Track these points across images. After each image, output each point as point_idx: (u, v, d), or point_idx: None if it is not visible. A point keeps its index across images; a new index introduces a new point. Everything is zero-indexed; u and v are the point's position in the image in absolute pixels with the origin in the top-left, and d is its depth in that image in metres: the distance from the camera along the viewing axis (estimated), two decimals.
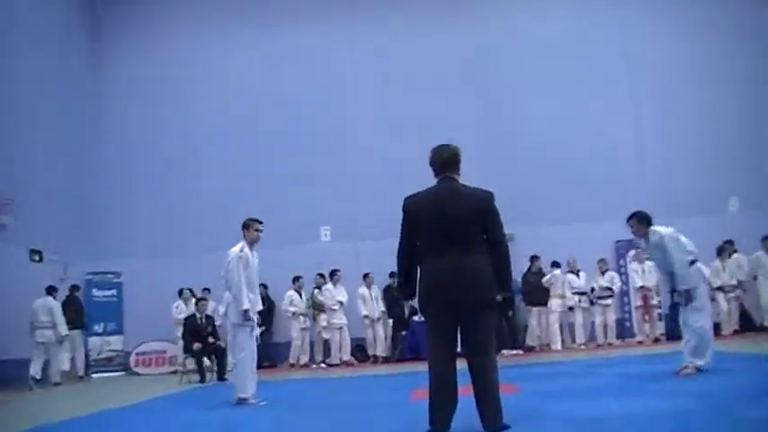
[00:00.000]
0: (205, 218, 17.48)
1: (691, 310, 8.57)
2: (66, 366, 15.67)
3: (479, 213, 5.49)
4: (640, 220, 8.99)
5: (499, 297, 5.38)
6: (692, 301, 8.57)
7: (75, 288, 16.61)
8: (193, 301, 15.55)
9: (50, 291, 15.06)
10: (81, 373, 16.38)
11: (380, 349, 16.41)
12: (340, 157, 17.94)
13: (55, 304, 14.98)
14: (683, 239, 8.81)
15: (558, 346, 16.02)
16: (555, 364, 12.35)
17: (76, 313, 16.15)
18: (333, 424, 6.84)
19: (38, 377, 14.25)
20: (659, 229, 8.87)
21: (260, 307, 9.27)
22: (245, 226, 9.10)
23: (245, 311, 8.71)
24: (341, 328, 16.26)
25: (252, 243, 9.07)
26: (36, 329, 14.57)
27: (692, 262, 8.68)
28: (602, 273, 16.30)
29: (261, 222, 9.16)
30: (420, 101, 17.70)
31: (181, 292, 16.61)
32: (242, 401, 8.71)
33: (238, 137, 18.34)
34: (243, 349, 8.82)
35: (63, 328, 14.85)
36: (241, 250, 8.92)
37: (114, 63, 19.08)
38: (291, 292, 16.53)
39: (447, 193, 5.64)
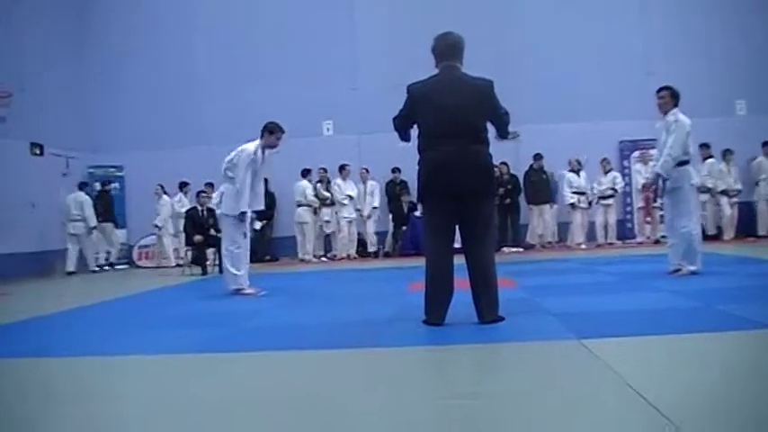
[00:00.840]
0: (202, 109, 17.39)
1: (677, 214, 8.37)
2: (102, 259, 16.76)
3: (481, 104, 5.52)
4: (673, 95, 8.77)
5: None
6: (660, 196, 8.48)
7: (105, 183, 17.28)
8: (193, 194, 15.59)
9: (82, 186, 16.26)
10: (109, 261, 16.95)
11: (371, 245, 16.52)
12: (341, 50, 17.63)
13: (85, 199, 16.07)
14: (689, 140, 8.61)
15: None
16: (553, 261, 12.45)
17: (107, 208, 16.86)
18: (332, 311, 6.93)
19: (72, 269, 15.62)
20: (681, 114, 8.63)
21: (260, 206, 9.20)
22: (270, 130, 8.82)
23: (242, 213, 8.66)
24: (350, 222, 16.34)
25: (268, 147, 8.89)
26: (69, 222, 15.78)
27: (683, 162, 8.44)
28: (606, 173, 16.25)
29: (284, 132, 8.92)
30: (423, 3, 17.28)
31: (182, 186, 16.59)
32: (238, 292, 8.76)
33: (237, 27, 17.91)
34: (233, 242, 8.80)
35: (93, 221, 15.98)
36: (254, 152, 8.72)
37: None
38: (305, 183, 16.48)
39: (450, 82, 5.62)
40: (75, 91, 17.47)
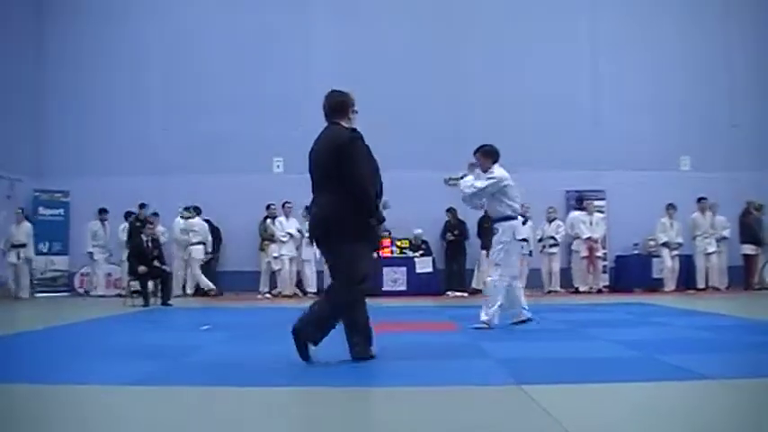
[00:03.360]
0: (153, 139, 17.22)
1: (493, 266, 8.47)
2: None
3: (332, 154, 5.74)
4: (485, 154, 8.71)
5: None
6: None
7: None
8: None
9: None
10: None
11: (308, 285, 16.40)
12: (294, 88, 17.62)
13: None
14: (513, 193, 8.58)
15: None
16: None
17: None
18: (270, 348, 6.85)
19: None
20: (498, 170, 8.58)
21: None
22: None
23: None
24: (291, 259, 16.24)
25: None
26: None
27: (509, 217, 8.43)
28: (550, 222, 16.44)
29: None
30: (378, 36, 17.44)
31: (127, 215, 16.35)
32: None
33: (191, 59, 17.83)
34: None
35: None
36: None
37: None
38: (282, 219, 16.36)
39: (319, 139, 6.00)
40: (24, 114, 17.18)
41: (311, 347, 5.65)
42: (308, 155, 6.00)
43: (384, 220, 5.79)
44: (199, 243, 15.95)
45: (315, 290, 16.23)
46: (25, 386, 4.95)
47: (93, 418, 4.11)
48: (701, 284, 15.94)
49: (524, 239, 15.79)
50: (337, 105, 6.02)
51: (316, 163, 5.89)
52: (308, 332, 5.63)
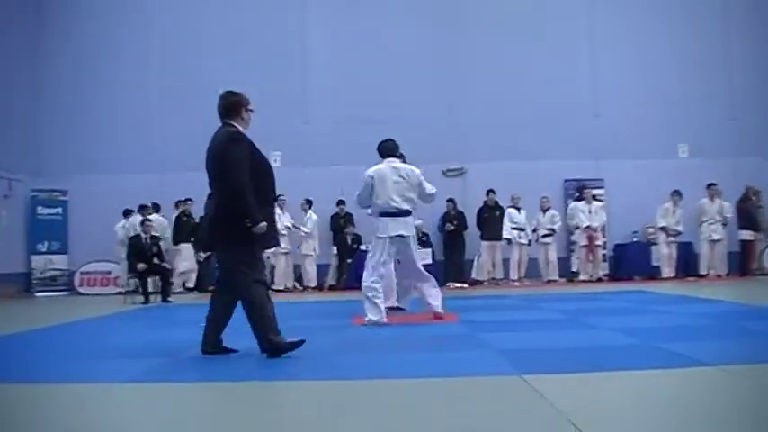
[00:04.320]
0: (151, 137, 17.19)
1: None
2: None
3: (214, 156, 5.90)
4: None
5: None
6: None
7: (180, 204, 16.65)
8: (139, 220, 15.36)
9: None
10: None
11: (307, 281, 16.50)
12: (293, 83, 17.65)
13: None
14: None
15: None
16: (497, 297, 12.53)
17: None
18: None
19: None
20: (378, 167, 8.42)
21: None
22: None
23: None
24: (286, 253, 16.21)
25: None
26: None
27: (387, 214, 8.27)
28: (544, 211, 16.45)
29: None
30: (378, 32, 17.48)
31: (126, 213, 16.35)
32: None
33: (189, 55, 17.82)
34: None
35: None
36: None
37: None
38: (278, 211, 16.19)
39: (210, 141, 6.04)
40: (22, 113, 17.16)
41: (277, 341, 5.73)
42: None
43: (260, 221, 5.66)
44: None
45: (315, 284, 16.31)
46: (26, 385, 4.96)
47: (95, 416, 4.12)
48: (703, 271, 15.96)
49: (521, 229, 16.00)
50: (229, 106, 6.10)
51: (206, 165, 6.00)
52: (271, 340, 5.69)
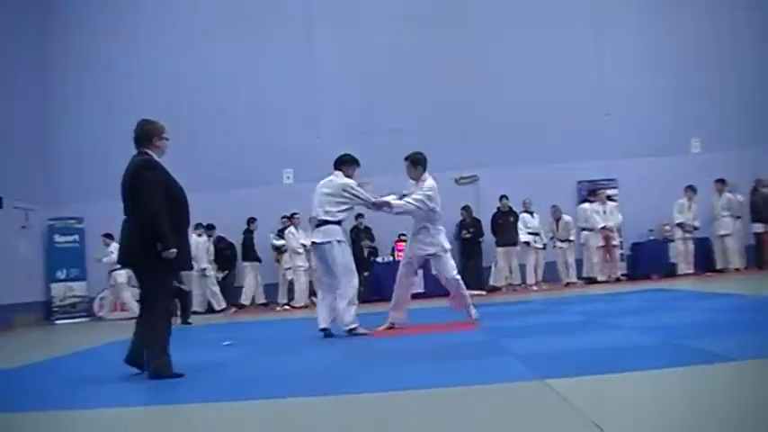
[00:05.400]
0: (163, 158, 17.20)
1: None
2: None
3: (128, 183, 6.15)
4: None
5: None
6: None
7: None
8: None
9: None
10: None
11: None
12: (302, 99, 17.74)
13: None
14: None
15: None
16: (516, 303, 12.49)
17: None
18: (299, 359, 6.87)
19: None
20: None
21: None
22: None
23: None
24: (305, 270, 16.23)
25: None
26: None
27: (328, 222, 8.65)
28: (557, 220, 16.41)
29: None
30: (386, 41, 17.56)
31: None
32: None
33: (198, 73, 17.99)
34: None
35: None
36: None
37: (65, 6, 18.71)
38: (292, 229, 16.27)
39: (126, 168, 6.29)
40: (35, 143, 17.39)
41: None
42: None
43: (172, 247, 5.88)
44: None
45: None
46: (59, 412, 5.00)
47: None
48: (719, 265, 15.93)
49: (535, 233, 15.97)
50: (143, 134, 6.37)
51: (121, 191, 6.21)
52: (156, 365, 5.95)
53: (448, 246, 8.69)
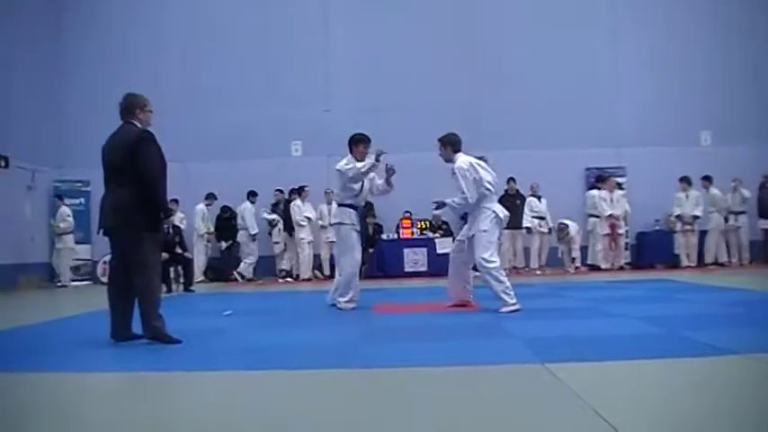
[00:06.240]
0: (171, 127, 17.19)
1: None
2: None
3: (124, 151, 6.20)
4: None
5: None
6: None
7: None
8: None
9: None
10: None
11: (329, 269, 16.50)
12: (313, 73, 17.69)
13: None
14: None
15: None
16: (519, 286, 12.46)
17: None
18: (298, 332, 6.89)
19: None
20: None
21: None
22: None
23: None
24: (309, 243, 16.28)
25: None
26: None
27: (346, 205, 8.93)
28: (562, 238, 16.35)
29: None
30: (399, 21, 17.52)
31: None
32: None
33: (209, 46, 17.95)
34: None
35: None
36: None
37: None
38: (299, 203, 16.38)
39: (113, 135, 6.48)
40: (44, 105, 17.32)
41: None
42: (101, 149, 6.44)
43: (171, 214, 6.06)
44: (70, 232, 16.55)
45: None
46: (55, 374, 5.02)
47: (121, 404, 4.16)
48: (708, 259, 16.06)
49: (541, 217, 15.95)
50: (128, 106, 6.47)
51: (109, 158, 6.33)
52: (155, 326, 6.10)
53: (485, 227, 8.11)
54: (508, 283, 8.03)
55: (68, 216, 16.45)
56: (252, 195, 16.54)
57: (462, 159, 8.31)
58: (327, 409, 3.81)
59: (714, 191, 16.16)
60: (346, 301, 8.78)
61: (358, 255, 8.99)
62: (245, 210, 16.46)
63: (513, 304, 7.86)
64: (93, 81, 17.65)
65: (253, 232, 16.40)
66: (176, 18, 18.09)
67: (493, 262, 7.99)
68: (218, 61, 17.79)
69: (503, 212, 8.28)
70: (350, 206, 8.91)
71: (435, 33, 17.37)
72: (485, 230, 8.08)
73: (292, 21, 17.82)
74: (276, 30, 17.79)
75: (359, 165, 8.72)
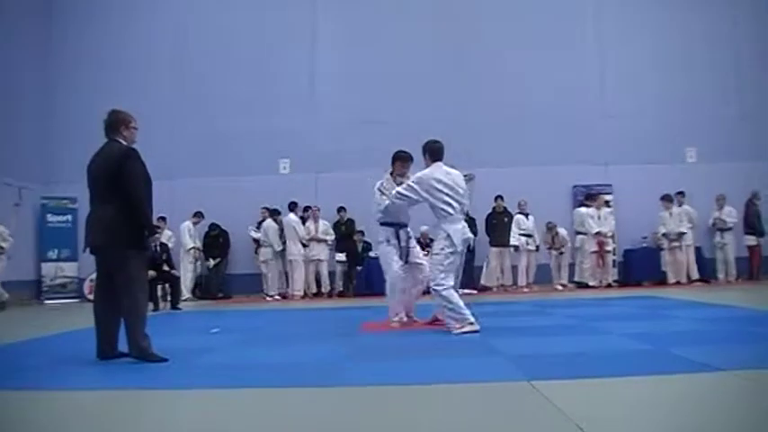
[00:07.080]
0: (159, 144, 17.20)
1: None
2: None
3: (109, 169, 6.24)
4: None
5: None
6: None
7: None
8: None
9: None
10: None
11: (325, 286, 16.56)
12: (300, 89, 17.71)
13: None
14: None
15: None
16: (507, 303, 12.50)
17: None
18: (284, 351, 6.87)
19: None
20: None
21: None
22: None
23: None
24: (302, 261, 16.22)
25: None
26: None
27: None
28: (552, 237, 16.46)
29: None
30: (385, 34, 17.62)
31: None
32: None
33: (198, 62, 17.98)
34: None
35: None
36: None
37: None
38: (294, 217, 16.25)
39: (98, 153, 6.51)
40: (31, 121, 17.27)
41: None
42: (87, 167, 6.45)
43: (156, 231, 6.15)
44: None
45: (329, 289, 16.35)
46: (39, 392, 4.98)
47: (106, 421, 4.13)
48: (671, 279, 16.06)
49: (528, 235, 15.97)
50: (113, 123, 6.52)
51: (94, 176, 6.36)
52: (141, 346, 6.09)
53: (436, 250, 8.03)
54: (461, 305, 7.78)
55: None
56: (293, 206, 16.33)
57: (430, 170, 8.15)
58: (312, 427, 3.80)
59: (686, 207, 16.23)
60: (394, 319, 8.65)
61: (396, 266, 8.63)
62: (289, 221, 16.10)
63: (461, 327, 7.61)
64: (80, 98, 17.60)
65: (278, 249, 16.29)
66: (166, 32, 18.13)
67: (442, 285, 7.83)
68: (205, 77, 17.80)
69: (464, 234, 8.04)
70: (387, 224, 8.71)
71: (423, 50, 17.42)
72: (436, 254, 8.02)
73: (278, 36, 17.85)
74: (261, 45, 17.84)
75: (382, 198, 8.54)
